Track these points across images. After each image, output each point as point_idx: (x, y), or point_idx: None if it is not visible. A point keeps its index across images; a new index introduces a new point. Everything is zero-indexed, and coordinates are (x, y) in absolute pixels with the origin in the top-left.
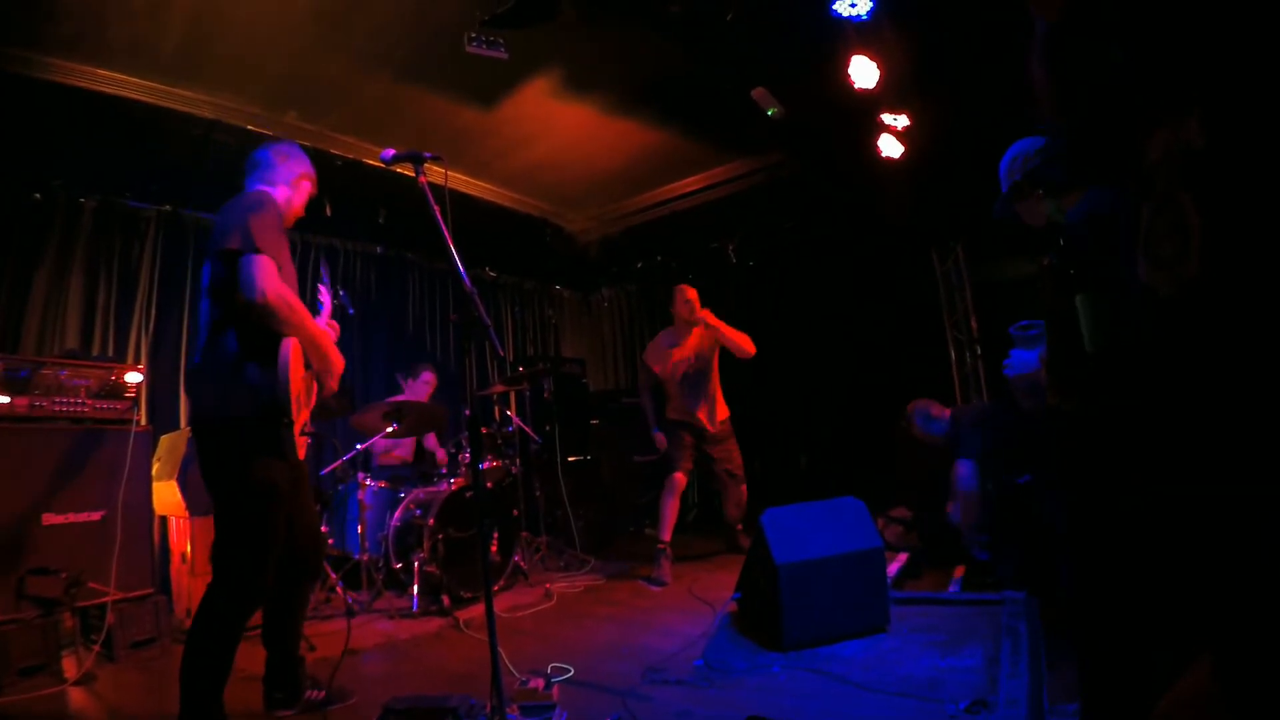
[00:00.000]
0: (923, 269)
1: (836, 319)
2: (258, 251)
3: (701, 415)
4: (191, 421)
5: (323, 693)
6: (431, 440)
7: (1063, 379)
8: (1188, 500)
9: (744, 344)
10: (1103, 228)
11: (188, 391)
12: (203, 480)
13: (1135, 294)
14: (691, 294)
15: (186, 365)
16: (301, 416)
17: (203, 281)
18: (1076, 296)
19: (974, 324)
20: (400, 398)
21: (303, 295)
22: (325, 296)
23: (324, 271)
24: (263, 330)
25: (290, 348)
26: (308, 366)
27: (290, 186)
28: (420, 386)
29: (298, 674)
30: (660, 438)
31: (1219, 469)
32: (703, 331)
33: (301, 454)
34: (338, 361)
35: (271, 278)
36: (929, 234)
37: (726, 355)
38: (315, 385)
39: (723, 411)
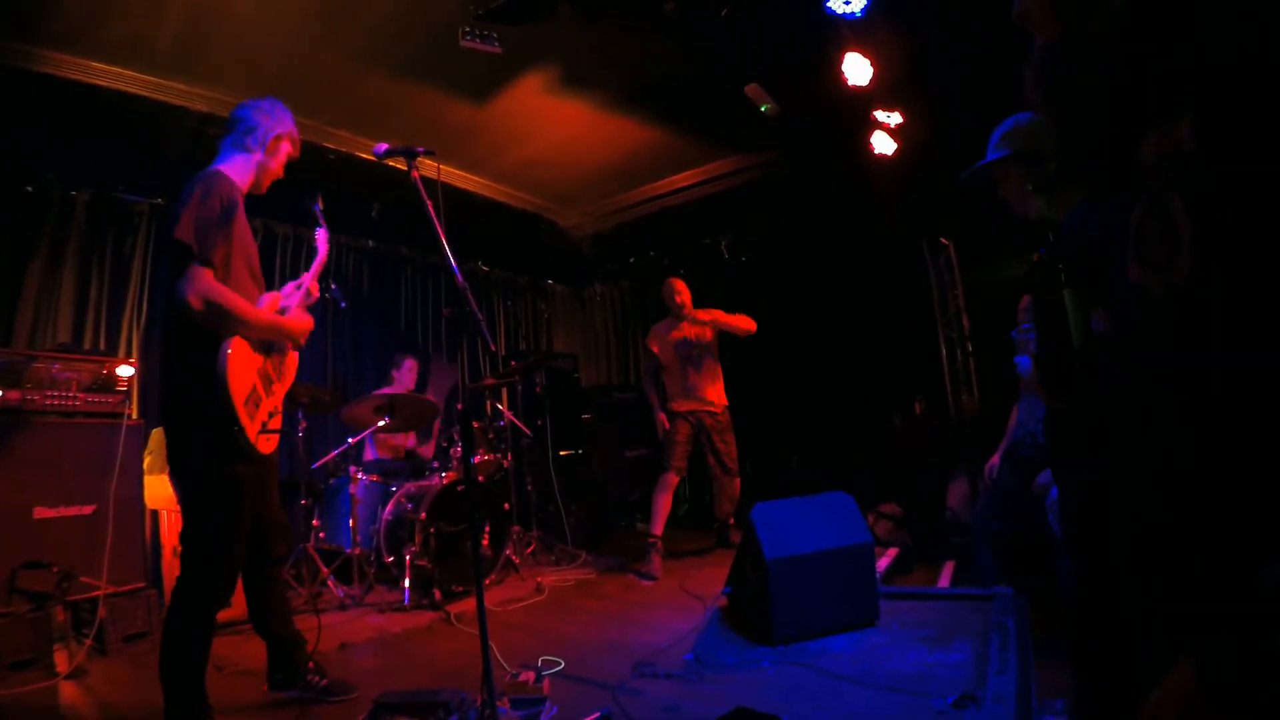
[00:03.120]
0: (915, 267)
1: (828, 316)
2: (190, 259)
3: (701, 395)
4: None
5: (325, 680)
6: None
7: (1052, 377)
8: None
9: (743, 324)
10: (1096, 240)
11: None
12: (169, 471)
13: (1125, 294)
14: (678, 285)
15: None
16: (263, 409)
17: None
18: (1065, 292)
19: (966, 322)
20: (389, 389)
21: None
22: (322, 240)
23: (319, 213)
24: (202, 333)
25: (229, 350)
26: (268, 352)
27: (266, 151)
28: (405, 375)
29: (295, 657)
30: (663, 417)
31: (1211, 476)
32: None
33: (272, 448)
34: (301, 326)
35: (200, 285)
36: (921, 232)
37: (725, 339)
38: (287, 366)
39: (724, 399)
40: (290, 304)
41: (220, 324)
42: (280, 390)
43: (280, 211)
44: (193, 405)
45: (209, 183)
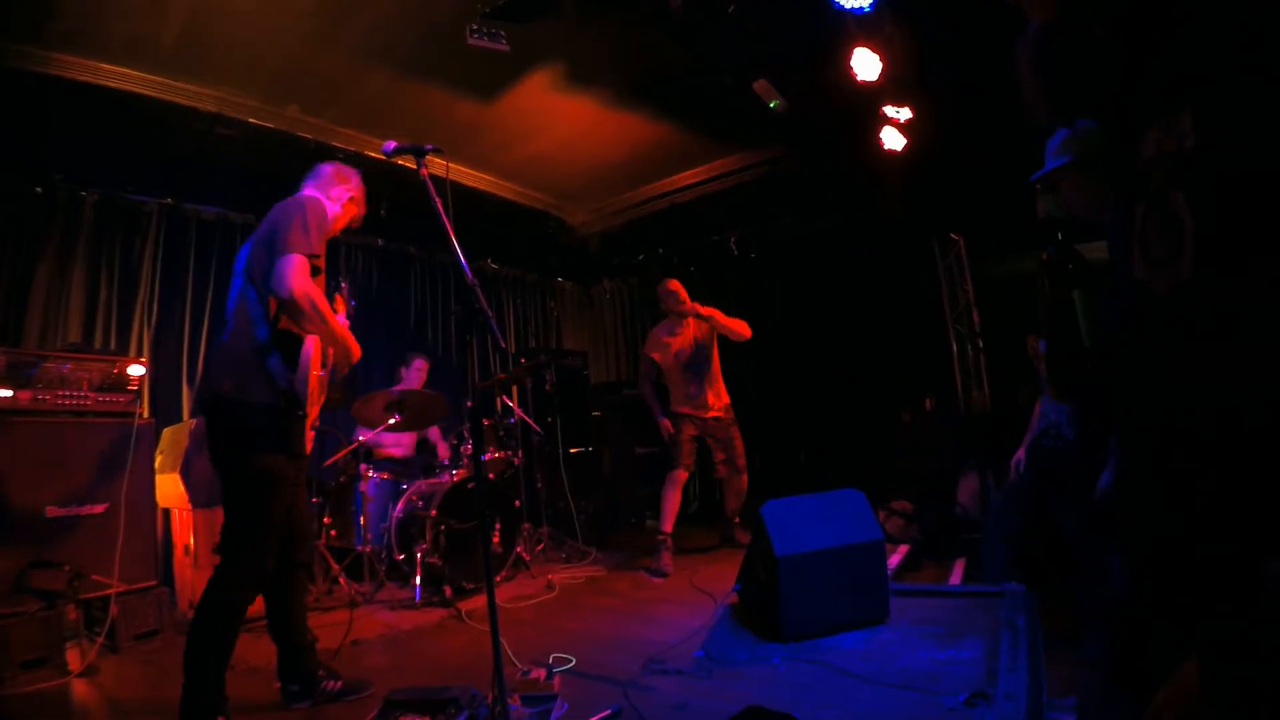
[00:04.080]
0: (924, 263)
1: (837, 312)
2: (294, 251)
3: (704, 402)
4: (206, 399)
5: (339, 683)
6: (434, 432)
7: (1061, 375)
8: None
9: (740, 329)
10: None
11: (208, 367)
12: (211, 459)
13: (1130, 291)
14: (675, 286)
15: (210, 343)
16: (312, 413)
17: (237, 264)
18: (1074, 291)
19: (976, 318)
20: (397, 388)
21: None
22: (341, 306)
23: (344, 286)
24: (281, 324)
25: (311, 346)
26: (324, 366)
27: (338, 205)
28: (414, 374)
29: (308, 665)
30: (666, 423)
31: (1212, 471)
32: (698, 319)
33: (308, 448)
34: (357, 351)
35: (302, 276)
36: (930, 227)
37: (725, 340)
38: (326, 383)
39: (724, 397)
40: None
41: (300, 318)
42: (318, 406)
43: None
44: (265, 386)
45: (314, 202)
